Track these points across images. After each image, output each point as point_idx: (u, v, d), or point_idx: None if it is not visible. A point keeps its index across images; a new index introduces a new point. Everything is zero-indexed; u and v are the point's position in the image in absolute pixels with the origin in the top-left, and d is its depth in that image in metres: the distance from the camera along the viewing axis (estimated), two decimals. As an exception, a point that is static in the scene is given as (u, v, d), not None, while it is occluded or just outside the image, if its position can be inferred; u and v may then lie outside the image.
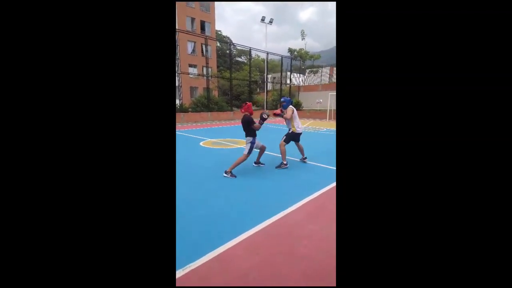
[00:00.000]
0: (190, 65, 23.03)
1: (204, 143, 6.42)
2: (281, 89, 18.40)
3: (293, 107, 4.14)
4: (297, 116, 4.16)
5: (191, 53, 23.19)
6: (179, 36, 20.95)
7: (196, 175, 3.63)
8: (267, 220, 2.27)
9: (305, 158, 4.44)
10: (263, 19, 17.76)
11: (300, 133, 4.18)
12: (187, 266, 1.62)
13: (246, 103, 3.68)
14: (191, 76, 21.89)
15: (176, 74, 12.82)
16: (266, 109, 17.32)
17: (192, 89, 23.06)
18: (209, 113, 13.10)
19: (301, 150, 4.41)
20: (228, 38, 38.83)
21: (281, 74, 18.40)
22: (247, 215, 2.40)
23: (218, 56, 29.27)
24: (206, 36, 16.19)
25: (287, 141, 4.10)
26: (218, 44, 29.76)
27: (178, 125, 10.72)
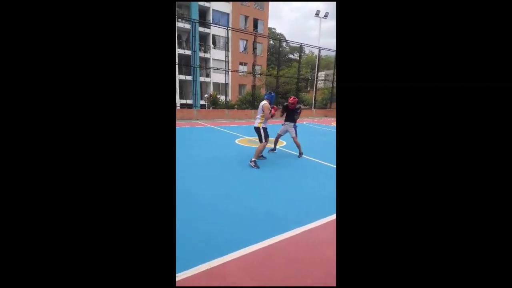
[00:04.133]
0: (241, 63, 23.61)
1: (239, 141, 6.35)
2: (332, 87, 17.22)
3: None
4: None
5: (243, 51, 23.74)
6: (231, 35, 21.85)
7: (215, 172, 3.52)
8: (277, 236, 1.95)
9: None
10: (317, 13, 16.86)
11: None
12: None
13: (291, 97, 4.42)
14: (241, 74, 22.43)
15: (226, 72, 13.21)
16: (314, 108, 16.50)
17: (241, 87, 23.65)
18: (253, 110, 13.12)
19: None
20: (282, 35, 38.49)
21: (334, 71, 17.19)
22: (257, 224, 2.13)
23: (271, 54, 29.27)
24: (256, 34, 16.24)
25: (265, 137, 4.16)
26: (272, 42, 29.74)
27: (221, 121, 11.04)
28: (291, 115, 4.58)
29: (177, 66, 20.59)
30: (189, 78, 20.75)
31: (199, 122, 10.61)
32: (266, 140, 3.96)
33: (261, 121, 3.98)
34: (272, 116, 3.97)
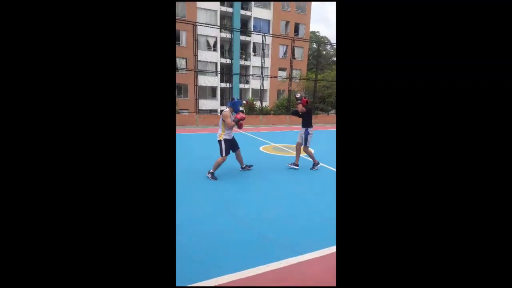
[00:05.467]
0: (280, 69, 23.46)
1: (264, 148, 6.14)
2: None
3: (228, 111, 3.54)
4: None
5: (282, 56, 23.57)
6: (272, 41, 21.93)
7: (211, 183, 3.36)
8: (263, 266, 1.66)
9: (247, 166, 4.04)
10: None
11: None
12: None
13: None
14: (279, 79, 22.26)
15: (261, 78, 13.22)
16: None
17: (279, 92, 23.44)
18: (287, 116, 12.75)
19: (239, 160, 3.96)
20: (326, 38, 37.05)
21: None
22: (239, 250, 1.87)
23: (313, 58, 28.39)
24: (294, 38, 15.89)
25: (226, 152, 3.54)
26: (315, 45, 28.89)
27: (253, 127, 11.00)
28: (304, 119, 3.99)
29: (219, 74, 21.62)
30: (230, 85, 21.56)
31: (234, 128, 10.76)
32: (226, 154, 3.49)
33: (222, 133, 3.49)
34: (238, 123, 3.47)
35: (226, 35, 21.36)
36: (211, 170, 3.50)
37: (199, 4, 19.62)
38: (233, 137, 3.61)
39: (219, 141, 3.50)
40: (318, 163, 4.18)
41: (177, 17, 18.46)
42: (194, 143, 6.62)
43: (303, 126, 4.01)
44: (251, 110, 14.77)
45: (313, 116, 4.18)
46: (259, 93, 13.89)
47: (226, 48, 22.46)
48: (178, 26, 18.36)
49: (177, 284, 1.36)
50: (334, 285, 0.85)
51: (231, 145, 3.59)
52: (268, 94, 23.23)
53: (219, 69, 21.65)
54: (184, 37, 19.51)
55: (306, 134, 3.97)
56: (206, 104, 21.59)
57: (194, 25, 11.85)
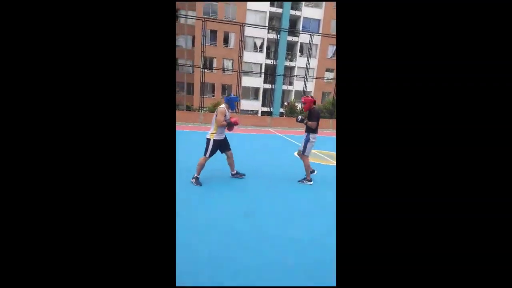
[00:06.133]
0: (328, 70, 22.26)
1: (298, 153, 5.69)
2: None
3: (225, 108, 3.08)
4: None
5: (331, 57, 22.32)
6: (321, 41, 20.94)
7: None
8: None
9: (239, 174, 3.46)
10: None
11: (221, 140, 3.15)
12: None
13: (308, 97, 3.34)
14: (326, 80, 21.09)
15: (305, 79, 12.63)
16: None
17: (324, 94, 22.24)
18: (330, 120, 11.87)
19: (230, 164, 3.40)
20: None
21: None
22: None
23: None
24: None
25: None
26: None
27: (290, 130, 10.50)
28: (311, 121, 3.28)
29: (262, 75, 21.65)
30: (272, 87, 21.38)
31: (270, 129, 10.51)
32: (209, 155, 3.05)
33: (214, 131, 3.04)
34: (230, 124, 3.05)
35: (273, 36, 21.24)
36: (196, 175, 3.07)
37: (249, 5, 19.94)
38: (225, 137, 3.20)
39: (208, 140, 3.06)
40: (311, 181, 3.42)
41: (226, 19, 19.12)
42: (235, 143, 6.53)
43: (305, 131, 3.35)
44: (292, 112, 14.30)
45: None
46: (302, 95, 13.32)
47: (272, 49, 22.36)
48: (227, 27, 18.99)
49: (177, 284, 1.28)
50: (334, 285, 0.81)
51: (220, 146, 3.17)
52: (312, 95, 22.29)
53: (263, 70, 21.67)
54: (232, 39, 20.08)
55: (307, 140, 3.29)
56: (248, 104, 21.86)
57: (242, 26, 11.99)
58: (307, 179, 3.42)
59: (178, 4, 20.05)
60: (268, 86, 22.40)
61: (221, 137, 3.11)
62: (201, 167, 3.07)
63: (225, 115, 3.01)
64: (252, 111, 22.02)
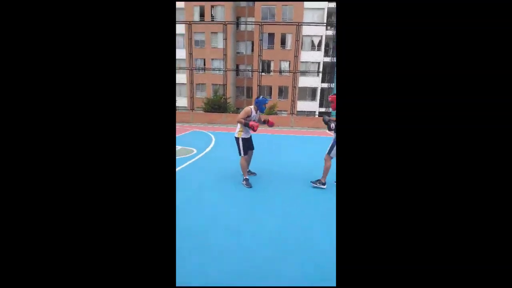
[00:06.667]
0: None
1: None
2: None
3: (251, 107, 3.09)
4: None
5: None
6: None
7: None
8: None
9: (250, 173, 3.52)
10: None
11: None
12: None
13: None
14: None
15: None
16: None
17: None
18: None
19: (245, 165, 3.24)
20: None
21: None
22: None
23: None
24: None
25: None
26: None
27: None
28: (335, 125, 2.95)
29: (320, 74, 20.78)
30: (331, 85, 20.29)
31: (327, 131, 10.02)
32: (244, 153, 3.13)
33: (241, 130, 3.10)
34: (249, 125, 2.97)
35: (332, 32, 20.15)
36: (245, 177, 3.17)
37: (306, 4, 19.49)
38: (250, 136, 3.27)
39: (236, 139, 3.19)
40: (325, 184, 3.11)
41: (283, 20, 19.16)
42: (288, 144, 6.55)
43: (334, 132, 3.05)
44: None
45: None
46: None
47: (330, 47, 21.23)
48: (284, 29, 19.02)
49: (177, 284, 1.32)
50: (334, 285, 0.80)
51: (249, 145, 3.25)
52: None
53: (321, 69, 20.79)
54: (289, 40, 20.00)
55: (334, 141, 3.01)
56: (304, 105, 21.35)
57: (298, 25, 11.83)
58: (321, 181, 3.13)
59: (237, 11, 21.23)
60: (326, 85, 21.37)
61: (247, 136, 3.25)
62: (244, 167, 3.21)
63: (250, 116, 3.08)
64: (309, 112, 21.40)
